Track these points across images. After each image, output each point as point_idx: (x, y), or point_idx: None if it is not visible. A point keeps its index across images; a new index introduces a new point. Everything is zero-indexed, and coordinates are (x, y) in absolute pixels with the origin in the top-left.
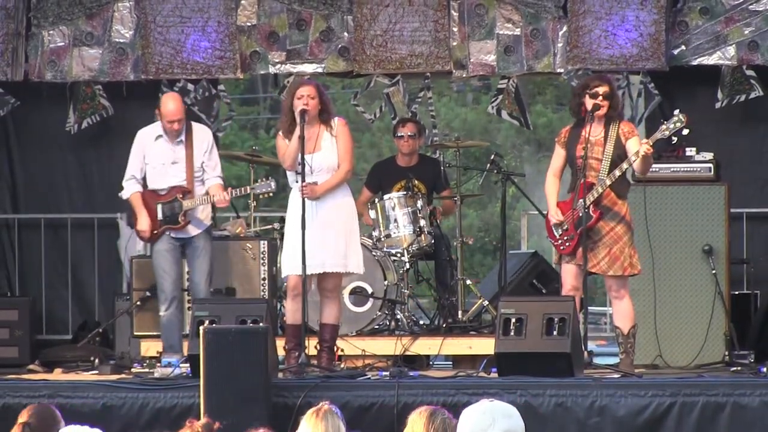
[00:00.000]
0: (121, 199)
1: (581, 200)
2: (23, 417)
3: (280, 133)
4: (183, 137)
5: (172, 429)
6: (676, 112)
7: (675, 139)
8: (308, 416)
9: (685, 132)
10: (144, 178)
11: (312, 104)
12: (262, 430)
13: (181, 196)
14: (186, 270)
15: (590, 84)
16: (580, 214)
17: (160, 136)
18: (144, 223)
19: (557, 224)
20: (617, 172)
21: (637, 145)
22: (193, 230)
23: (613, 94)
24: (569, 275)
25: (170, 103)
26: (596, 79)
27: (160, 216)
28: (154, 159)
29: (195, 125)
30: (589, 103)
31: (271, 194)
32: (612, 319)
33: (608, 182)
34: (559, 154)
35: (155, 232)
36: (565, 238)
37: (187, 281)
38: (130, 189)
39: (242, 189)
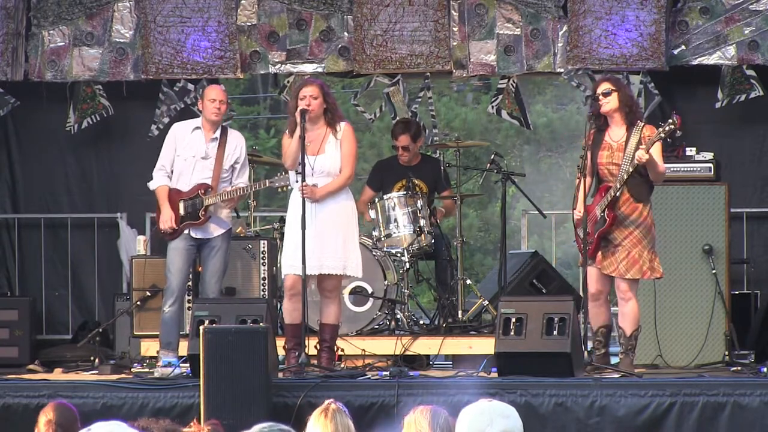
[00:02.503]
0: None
1: (598, 205)
2: (48, 415)
3: (287, 132)
4: (218, 135)
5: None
6: (673, 113)
7: (670, 140)
8: (316, 417)
9: (678, 134)
10: (172, 171)
11: (315, 104)
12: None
13: (203, 192)
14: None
15: (594, 90)
16: (597, 218)
17: (198, 128)
18: (167, 214)
19: (580, 219)
20: (624, 175)
21: (656, 152)
22: (214, 230)
23: (617, 88)
24: (592, 279)
25: (213, 88)
26: (597, 82)
27: (182, 212)
28: (186, 151)
29: (231, 130)
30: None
31: (288, 187)
32: (615, 318)
33: (618, 185)
34: (588, 155)
35: (176, 229)
36: (587, 241)
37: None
38: (158, 181)
39: (260, 183)
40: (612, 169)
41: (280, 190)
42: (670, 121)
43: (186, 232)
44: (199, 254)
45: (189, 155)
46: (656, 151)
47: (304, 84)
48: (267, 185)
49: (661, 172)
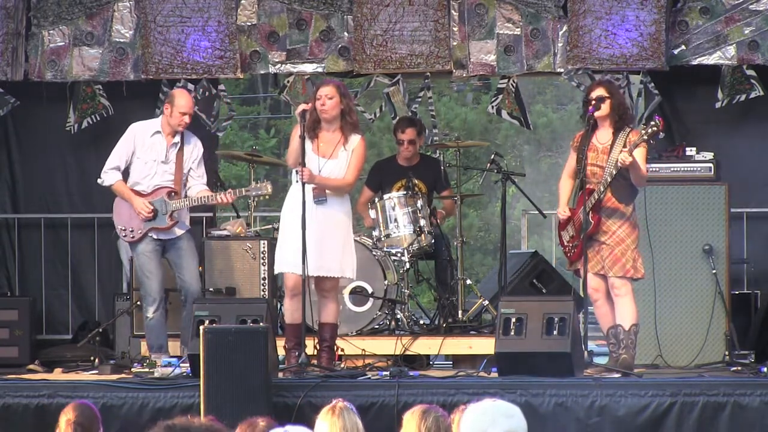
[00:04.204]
0: None
1: (581, 208)
2: (69, 414)
3: (297, 126)
4: (178, 140)
5: None
6: (656, 116)
7: (653, 141)
8: (324, 414)
9: (661, 135)
10: (125, 172)
11: (330, 104)
12: (261, 419)
13: (167, 196)
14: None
15: (588, 91)
16: (582, 222)
17: (158, 132)
18: (140, 203)
19: (564, 222)
20: (608, 178)
21: (639, 155)
22: (177, 231)
23: (610, 94)
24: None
25: (184, 97)
26: (592, 85)
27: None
28: (146, 154)
29: (188, 134)
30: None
31: (267, 197)
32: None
33: (601, 188)
34: (573, 158)
35: (140, 231)
36: (571, 245)
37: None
38: (113, 177)
39: (239, 191)
40: (595, 170)
41: (255, 200)
42: (653, 123)
43: (149, 235)
44: (164, 256)
45: (149, 159)
46: (639, 154)
47: (322, 84)
48: (243, 194)
49: (643, 176)
